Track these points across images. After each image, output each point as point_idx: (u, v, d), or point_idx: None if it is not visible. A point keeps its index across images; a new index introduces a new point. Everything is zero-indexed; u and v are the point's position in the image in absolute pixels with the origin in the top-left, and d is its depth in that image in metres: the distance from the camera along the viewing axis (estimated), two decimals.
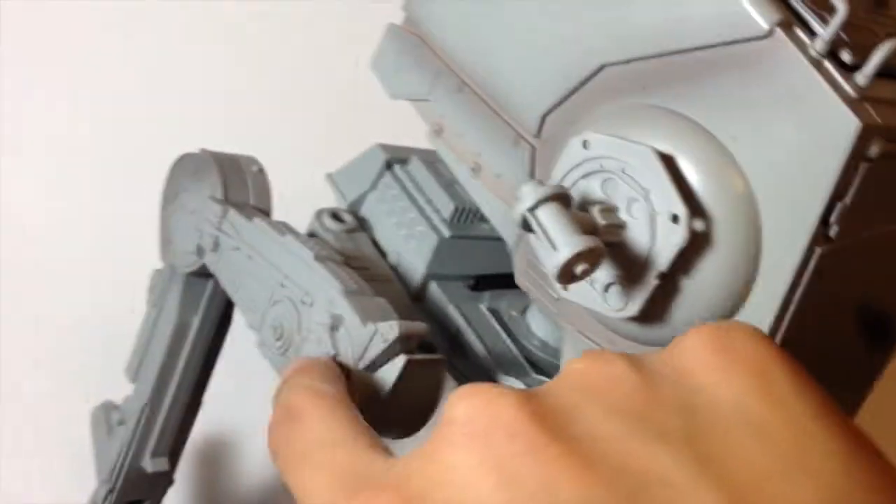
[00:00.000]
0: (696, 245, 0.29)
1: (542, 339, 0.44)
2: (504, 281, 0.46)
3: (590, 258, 0.28)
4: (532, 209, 0.29)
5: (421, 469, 0.21)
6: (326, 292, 0.38)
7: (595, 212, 0.30)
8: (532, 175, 0.35)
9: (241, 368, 0.55)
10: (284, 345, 0.40)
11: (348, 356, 0.36)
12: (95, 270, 0.74)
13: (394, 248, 0.46)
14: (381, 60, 0.42)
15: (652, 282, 0.30)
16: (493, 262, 0.46)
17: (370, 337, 0.35)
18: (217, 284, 0.51)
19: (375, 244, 0.47)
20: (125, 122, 0.76)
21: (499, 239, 0.48)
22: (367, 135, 0.51)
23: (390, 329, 0.34)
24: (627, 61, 0.31)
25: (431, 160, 0.50)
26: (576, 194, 0.31)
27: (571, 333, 0.35)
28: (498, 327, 0.43)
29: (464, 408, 0.21)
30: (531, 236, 0.29)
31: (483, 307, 0.44)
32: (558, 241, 0.28)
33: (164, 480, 0.57)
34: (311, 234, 0.46)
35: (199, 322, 0.51)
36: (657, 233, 0.29)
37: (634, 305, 0.30)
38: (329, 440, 0.26)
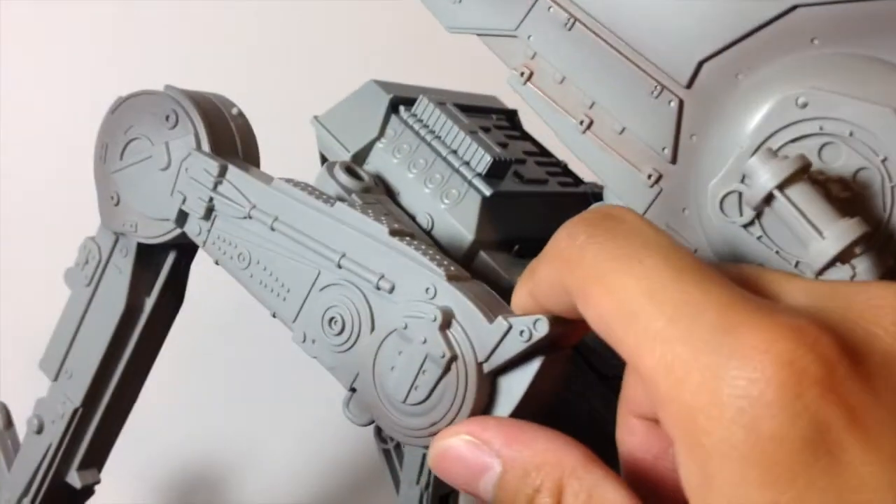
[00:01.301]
0: None
1: None
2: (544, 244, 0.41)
3: (859, 245, 0.24)
4: (781, 187, 0.24)
5: None
6: (421, 278, 0.30)
7: (833, 186, 0.25)
8: (678, 132, 0.30)
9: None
10: (350, 339, 0.32)
11: (466, 357, 0.29)
12: None
13: (422, 208, 0.39)
14: None
15: (889, 261, 0.26)
16: (537, 224, 0.41)
17: (502, 335, 0.29)
18: (180, 257, 0.41)
19: (398, 204, 0.39)
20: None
21: (538, 195, 0.42)
22: None
23: (536, 326, 0.28)
24: (835, 2, 0.27)
25: (440, 99, 0.42)
26: (766, 151, 0.27)
27: None
28: None
29: None
30: (771, 216, 0.24)
31: None
32: (826, 227, 0.23)
33: (87, 494, 0.46)
34: (304, 184, 0.37)
35: (153, 305, 0.41)
36: (895, 205, 0.26)
37: None
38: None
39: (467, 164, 0.39)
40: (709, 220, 0.29)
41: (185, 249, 0.40)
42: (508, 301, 0.32)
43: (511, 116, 0.49)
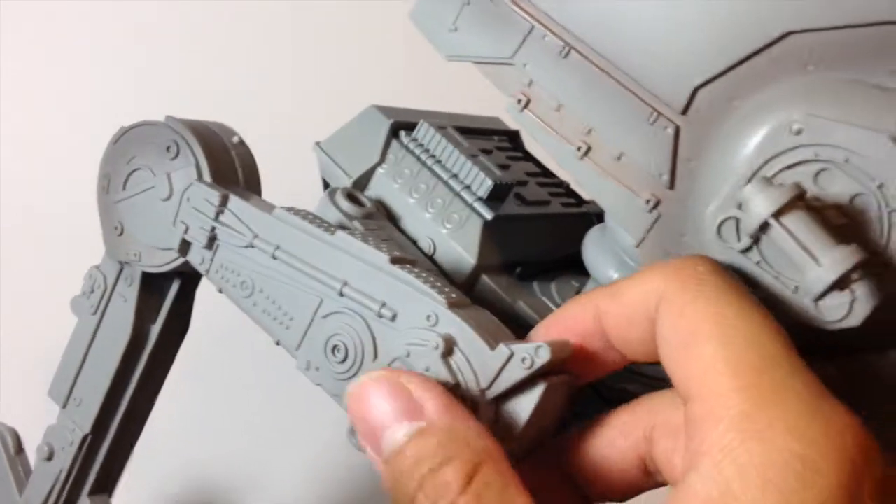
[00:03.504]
0: None
1: None
2: (546, 266, 0.41)
3: (857, 271, 0.24)
4: (776, 215, 0.24)
5: None
6: (422, 306, 0.31)
7: (830, 212, 0.25)
8: (675, 158, 0.30)
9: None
10: (353, 367, 0.32)
11: (469, 385, 0.29)
12: None
13: (424, 233, 0.39)
14: (428, 10, 0.35)
15: (889, 286, 0.26)
16: (539, 246, 0.41)
17: (503, 362, 0.29)
18: (185, 285, 0.41)
19: (399, 229, 0.39)
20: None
21: (540, 217, 0.42)
22: None
23: (538, 353, 0.28)
24: (828, 28, 0.27)
25: (441, 122, 0.43)
26: (761, 179, 0.27)
27: None
28: None
29: None
30: (768, 243, 0.24)
31: (549, 303, 0.39)
32: (822, 254, 0.23)
33: None
34: (299, 209, 0.37)
35: (159, 332, 0.41)
36: (892, 231, 0.26)
37: (858, 315, 0.26)
38: None
39: (468, 188, 0.39)
40: (708, 245, 0.29)
41: (190, 277, 0.41)
42: (512, 325, 0.32)
43: (513, 137, 0.49)
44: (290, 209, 0.35)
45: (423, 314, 0.31)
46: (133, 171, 0.38)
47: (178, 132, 0.36)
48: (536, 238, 0.41)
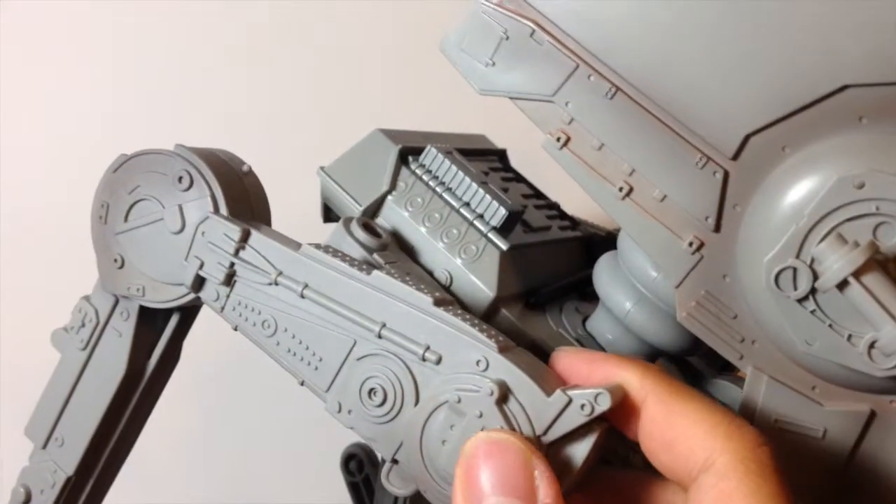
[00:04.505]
0: None
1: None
2: (553, 292, 0.41)
3: None
4: (856, 275, 0.25)
5: None
6: (470, 350, 0.30)
7: (891, 265, 0.26)
8: (722, 202, 0.31)
9: None
10: (392, 411, 0.31)
11: (525, 431, 0.29)
12: None
13: (440, 265, 0.38)
14: (462, 42, 0.34)
15: None
16: (544, 272, 0.40)
17: (561, 408, 0.28)
18: (184, 318, 0.39)
19: (414, 259, 0.38)
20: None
21: (545, 244, 0.42)
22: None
23: (598, 400, 0.28)
24: (884, 84, 0.28)
25: (446, 148, 0.42)
26: (834, 235, 0.27)
27: (756, 377, 0.32)
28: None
29: None
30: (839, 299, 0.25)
31: (564, 333, 0.38)
32: None
33: None
34: (328, 246, 0.36)
35: (155, 368, 0.39)
36: None
37: None
38: None
39: (481, 216, 0.39)
40: (756, 290, 0.30)
41: (189, 311, 0.39)
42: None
43: (502, 156, 0.49)
44: (316, 246, 0.34)
45: (473, 359, 0.30)
46: (137, 201, 0.35)
47: (190, 162, 0.34)
48: (543, 265, 0.41)
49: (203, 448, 0.77)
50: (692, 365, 0.43)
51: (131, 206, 0.35)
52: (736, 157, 0.30)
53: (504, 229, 0.38)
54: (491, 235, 0.38)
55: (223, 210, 0.34)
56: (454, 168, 0.40)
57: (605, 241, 0.46)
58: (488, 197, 0.39)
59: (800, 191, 0.29)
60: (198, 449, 0.77)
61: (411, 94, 0.71)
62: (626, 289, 0.37)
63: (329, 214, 0.42)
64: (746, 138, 0.30)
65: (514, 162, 0.49)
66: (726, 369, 0.43)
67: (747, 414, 0.32)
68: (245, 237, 0.34)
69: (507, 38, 0.33)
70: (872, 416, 0.30)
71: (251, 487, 0.78)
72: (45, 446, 0.40)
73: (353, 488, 0.66)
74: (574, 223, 0.46)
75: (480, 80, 0.34)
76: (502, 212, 0.38)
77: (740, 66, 0.29)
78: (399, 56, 0.70)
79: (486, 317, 0.37)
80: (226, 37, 0.70)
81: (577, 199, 0.38)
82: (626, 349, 0.39)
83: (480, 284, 0.37)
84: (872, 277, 0.25)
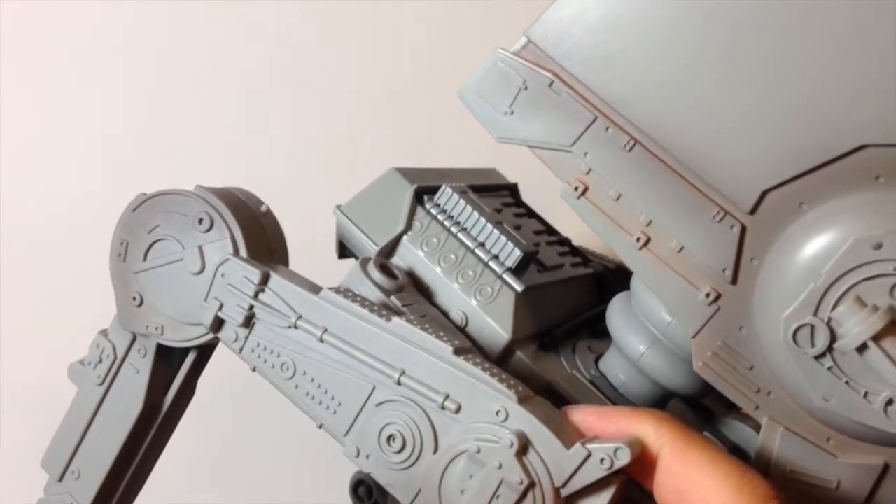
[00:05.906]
0: None
1: (625, 395, 0.39)
2: (566, 332, 0.41)
3: None
4: (875, 338, 0.25)
5: None
6: (490, 400, 0.30)
7: None
8: (739, 255, 0.31)
9: None
10: (410, 458, 0.32)
11: (542, 482, 0.29)
12: None
13: (456, 306, 0.38)
14: (481, 90, 0.34)
15: None
16: (557, 312, 0.41)
17: (580, 462, 0.29)
18: (201, 356, 0.39)
19: (429, 300, 0.39)
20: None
21: (559, 283, 0.42)
22: None
23: (617, 454, 0.28)
24: None
25: (461, 187, 0.42)
26: (852, 297, 0.28)
27: (771, 427, 0.32)
28: (601, 395, 0.38)
29: None
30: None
31: (577, 374, 0.39)
32: None
33: None
34: (347, 290, 0.36)
35: (171, 404, 0.39)
36: None
37: None
38: None
39: (496, 257, 0.39)
40: (771, 342, 0.30)
41: (206, 348, 0.39)
42: (544, 396, 0.32)
43: (513, 191, 0.49)
44: (336, 290, 0.34)
45: (492, 409, 0.30)
46: (156, 241, 0.36)
47: (210, 204, 0.35)
48: (557, 304, 0.41)
49: (209, 466, 0.77)
50: (704, 404, 0.43)
51: (150, 246, 0.36)
52: (753, 211, 0.30)
53: (519, 270, 0.39)
54: (506, 277, 0.38)
55: (243, 252, 0.35)
56: (469, 208, 0.40)
57: (615, 274, 0.47)
58: (503, 238, 0.39)
59: (817, 247, 0.29)
60: (204, 468, 0.77)
61: (424, 130, 0.71)
62: (640, 332, 0.38)
63: (344, 251, 0.42)
64: (764, 193, 0.30)
65: (524, 189, 0.49)
66: (738, 407, 0.44)
67: (763, 464, 0.32)
68: (265, 280, 0.34)
69: (526, 87, 0.33)
70: (886, 468, 0.31)
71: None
72: (61, 479, 0.40)
73: None
74: (585, 259, 0.47)
75: (499, 128, 0.34)
76: (517, 253, 0.39)
77: (759, 122, 0.30)
78: (415, 95, 0.71)
79: (502, 358, 0.38)
80: (245, 73, 0.70)
81: (585, 227, 0.39)
82: (639, 390, 0.39)
83: (496, 326, 0.38)
84: (891, 341, 0.26)
